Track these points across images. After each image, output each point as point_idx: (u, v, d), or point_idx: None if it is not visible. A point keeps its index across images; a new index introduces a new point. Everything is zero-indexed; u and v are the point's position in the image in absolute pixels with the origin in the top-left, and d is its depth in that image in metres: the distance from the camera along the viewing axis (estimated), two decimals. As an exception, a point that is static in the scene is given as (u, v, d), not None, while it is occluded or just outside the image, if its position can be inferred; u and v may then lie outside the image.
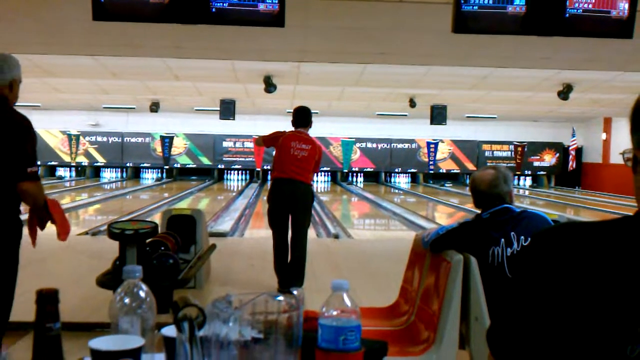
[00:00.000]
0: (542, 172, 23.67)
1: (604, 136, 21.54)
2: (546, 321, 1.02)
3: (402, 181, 23.63)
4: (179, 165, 22.93)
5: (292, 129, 5.91)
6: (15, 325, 4.21)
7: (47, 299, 1.06)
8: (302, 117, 5.83)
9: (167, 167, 22.88)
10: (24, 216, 3.22)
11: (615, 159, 20.48)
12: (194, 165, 22.92)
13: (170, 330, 1.27)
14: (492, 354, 1.14)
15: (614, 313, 0.96)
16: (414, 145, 23.20)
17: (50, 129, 21.64)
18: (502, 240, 2.98)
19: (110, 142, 22.11)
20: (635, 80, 9.54)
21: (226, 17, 4.70)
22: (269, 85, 10.86)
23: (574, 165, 22.19)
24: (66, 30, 6.46)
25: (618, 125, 20.45)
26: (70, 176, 22.80)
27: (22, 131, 3.06)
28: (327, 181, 23.20)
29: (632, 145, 1.11)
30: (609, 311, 0.97)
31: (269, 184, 6.06)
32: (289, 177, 5.55)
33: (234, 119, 15.69)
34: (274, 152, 5.96)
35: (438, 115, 15.23)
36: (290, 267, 5.66)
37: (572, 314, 0.99)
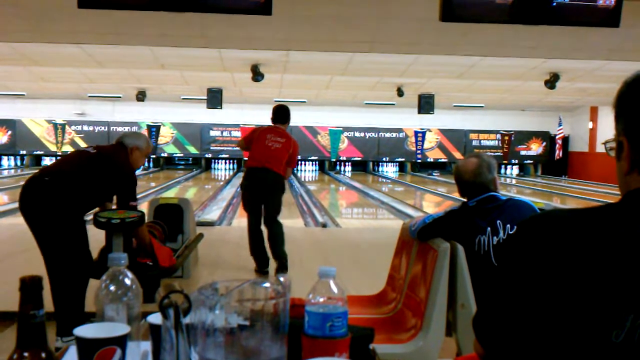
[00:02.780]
0: (528, 161, 23.77)
1: (590, 125, 21.65)
2: (532, 308, 1.02)
3: (389, 170, 23.67)
4: (166, 155, 22.85)
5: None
6: (2, 315, 4.19)
7: (31, 286, 1.05)
8: (280, 114, 6.02)
9: (154, 156, 22.77)
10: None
11: (602, 147, 20.56)
12: (181, 155, 22.84)
13: (156, 318, 1.27)
14: (478, 339, 1.14)
15: (599, 299, 0.97)
16: (401, 135, 23.23)
17: (35, 118, 21.47)
18: (489, 228, 2.99)
19: (96, 131, 21.95)
20: (622, 69, 9.55)
21: (213, 4, 4.67)
22: (257, 74, 10.81)
23: (560, 154, 22.32)
24: (51, 18, 6.40)
25: (604, 114, 20.55)
26: (57, 166, 22.62)
27: (125, 172, 4.17)
28: (315, 170, 23.20)
29: (615, 133, 1.12)
30: (594, 297, 0.97)
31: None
32: (263, 166, 5.77)
33: (221, 108, 15.62)
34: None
35: (425, 104, 15.24)
36: (271, 247, 5.91)
37: (557, 300, 1.00)
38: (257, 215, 5.91)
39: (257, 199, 5.88)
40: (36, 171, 4.06)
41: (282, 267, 5.80)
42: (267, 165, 5.76)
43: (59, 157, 4.37)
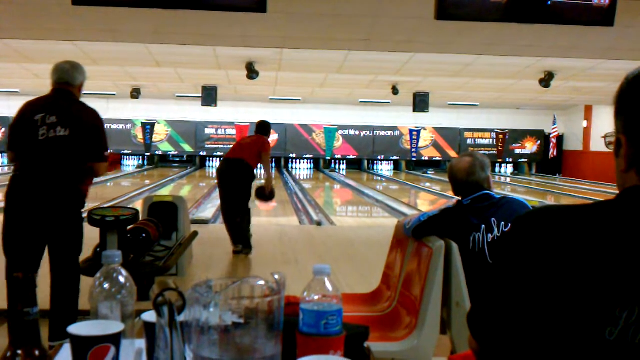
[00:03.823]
0: (523, 160, 23.82)
1: (584, 124, 21.70)
2: (526, 303, 1.03)
3: (384, 168, 23.69)
4: (160, 152, 22.80)
5: None
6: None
7: (24, 283, 1.05)
8: (260, 127, 7.17)
9: (148, 154, 22.73)
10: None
11: (596, 146, 20.65)
12: (176, 152, 22.81)
13: (150, 316, 1.27)
14: (473, 335, 1.14)
15: (593, 296, 0.97)
16: (396, 133, 23.24)
17: (29, 115, 21.39)
18: (483, 226, 3.00)
19: (90, 128, 21.85)
20: (616, 68, 9.60)
21: (207, 2, 4.66)
22: (251, 72, 10.79)
23: (554, 153, 22.36)
24: (45, 15, 6.37)
25: (599, 113, 20.61)
26: (51, 163, 22.54)
27: (99, 121, 3.85)
28: (310, 168, 23.20)
29: (615, 129, 1.12)
30: (588, 294, 0.97)
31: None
32: (236, 157, 6.84)
33: (215, 106, 15.59)
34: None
35: (420, 102, 15.24)
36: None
37: (551, 296, 1.00)
38: (228, 197, 6.88)
39: (228, 184, 6.84)
40: (23, 171, 3.76)
41: (246, 245, 6.87)
42: (240, 155, 6.81)
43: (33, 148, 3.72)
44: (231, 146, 7.41)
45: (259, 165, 6.95)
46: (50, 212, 3.71)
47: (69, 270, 3.79)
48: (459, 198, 3.19)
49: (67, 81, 3.84)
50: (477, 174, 3.13)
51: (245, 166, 6.75)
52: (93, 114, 3.86)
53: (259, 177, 7.08)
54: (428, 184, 18.70)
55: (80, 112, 3.80)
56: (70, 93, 3.85)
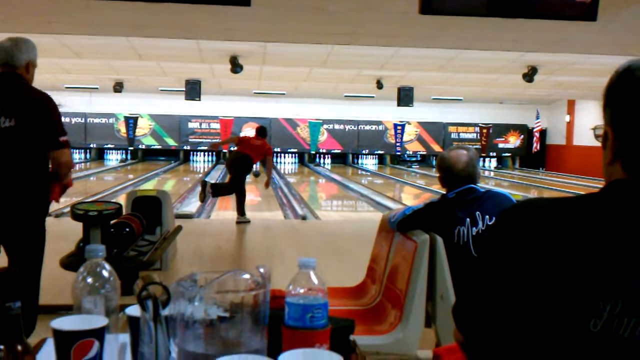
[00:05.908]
0: (506, 154, 23.97)
1: (567, 118, 21.85)
2: (511, 297, 1.03)
3: (369, 163, 23.73)
4: (143, 147, 22.67)
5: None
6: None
7: (6, 278, 1.03)
8: (263, 131, 9.46)
9: (131, 148, 22.60)
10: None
11: (579, 140, 20.80)
12: (159, 147, 22.68)
13: (134, 310, 1.26)
14: (458, 328, 1.15)
15: (576, 288, 0.98)
16: (381, 127, 23.28)
17: (11, 109, 21.16)
18: (468, 219, 3.01)
19: (73, 122, 21.65)
20: (599, 62, 9.67)
21: (191, -5, 4.63)
22: (235, 66, 10.75)
23: (538, 147, 22.51)
24: (25, 8, 6.30)
25: (582, 108, 20.75)
26: (33, 158, 22.32)
27: (49, 104, 3.29)
28: (295, 162, 23.19)
29: (603, 121, 1.12)
30: (572, 286, 0.98)
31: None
32: (245, 152, 8.91)
33: (199, 100, 15.52)
34: (241, 134, 7.51)
35: (405, 97, 15.26)
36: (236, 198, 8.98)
37: (536, 289, 1.00)
38: (234, 178, 8.96)
39: (232, 169, 8.96)
40: None
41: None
42: (250, 153, 8.89)
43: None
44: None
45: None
46: (6, 220, 3.27)
47: (28, 279, 3.40)
48: (445, 191, 3.20)
49: (7, 62, 3.30)
50: (476, 167, 3.16)
51: (251, 160, 9.00)
52: (42, 97, 3.32)
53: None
54: (412, 178, 18.75)
55: (26, 98, 3.27)
56: (14, 75, 3.32)
